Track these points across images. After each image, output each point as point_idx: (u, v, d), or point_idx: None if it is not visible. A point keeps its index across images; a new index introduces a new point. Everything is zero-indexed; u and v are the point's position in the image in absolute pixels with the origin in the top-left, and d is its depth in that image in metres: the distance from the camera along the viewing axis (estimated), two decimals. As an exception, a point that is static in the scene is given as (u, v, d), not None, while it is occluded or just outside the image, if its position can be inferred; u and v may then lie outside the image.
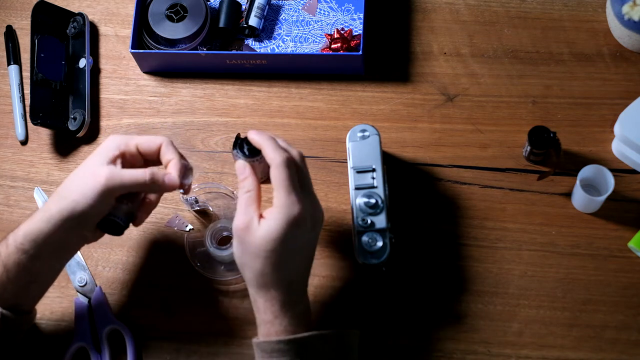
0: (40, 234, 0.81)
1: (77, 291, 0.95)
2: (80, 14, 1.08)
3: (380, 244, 0.86)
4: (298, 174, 0.80)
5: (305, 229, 0.79)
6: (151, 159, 0.86)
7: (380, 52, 1.04)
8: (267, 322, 0.79)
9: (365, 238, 0.87)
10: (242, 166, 0.82)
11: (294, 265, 0.80)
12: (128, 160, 0.84)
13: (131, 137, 0.85)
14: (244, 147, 0.83)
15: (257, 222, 0.78)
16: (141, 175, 0.82)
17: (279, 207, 0.78)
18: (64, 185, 0.83)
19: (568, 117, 0.98)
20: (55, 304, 0.94)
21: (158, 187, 0.83)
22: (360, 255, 0.87)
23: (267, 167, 0.81)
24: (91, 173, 0.81)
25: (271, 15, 1.06)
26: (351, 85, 1.03)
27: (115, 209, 0.84)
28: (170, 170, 0.84)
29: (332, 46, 1.02)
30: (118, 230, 0.86)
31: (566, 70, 1.01)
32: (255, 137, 0.82)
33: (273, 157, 0.79)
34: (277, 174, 0.78)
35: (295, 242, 0.79)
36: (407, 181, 0.97)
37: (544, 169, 0.96)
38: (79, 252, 0.95)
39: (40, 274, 0.85)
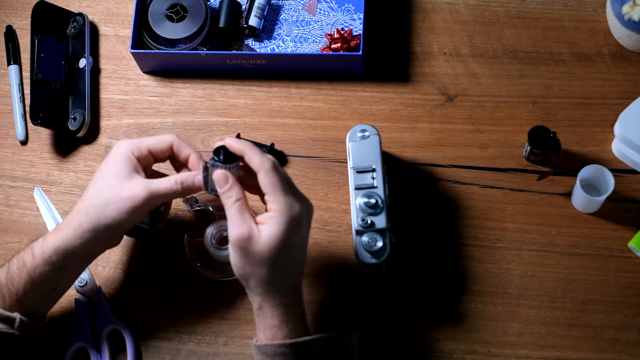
0: (70, 248, 0.82)
1: (77, 291, 0.95)
2: (80, 14, 1.08)
3: (380, 244, 0.86)
4: (285, 176, 0.80)
5: (304, 228, 0.79)
6: (161, 157, 0.86)
7: (380, 52, 1.04)
8: (274, 326, 0.79)
9: (365, 238, 0.86)
10: (223, 175, 0.79)
11: (295, 266, 0.81)
12: (141, 163, 0.84)
13: (141, 140, 0.84)
14: (220, 154, 0.80)
15: (257, 229, 0.77)
16: (174, 185, 0.81)
17: (279, 210, 0.77)
18: (93, 198, 0.82)
19: (568, 117, 0.98)
20: (56, 304, 0.94)
21: (190, 191, 0.83)
22: (360, 255, 0.87)
23: (240, 175, 0.80)
24: (126, 189, 0.81)
25: (271, 15, 1.06)
26: (351, 85, 1.03)
27: None
28: (192, 165, 0.84)
29: (332, 46, 1.02)
30: (146, 235, 0.87)
31: (566, 70, 1.01)
32: (235, 144, 0.80)
33: (262, 161, 0.78)
34: (271, 177, 0.77)
35: (297, 242, 0.79)
36: (407, 181, 0.97)
37: (544, 169, 0.96)
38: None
39: (62, 282, 0.86)
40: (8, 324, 0.82)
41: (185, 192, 0.83)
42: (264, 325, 0.80)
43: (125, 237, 0.95)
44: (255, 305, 0.80)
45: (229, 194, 0.79)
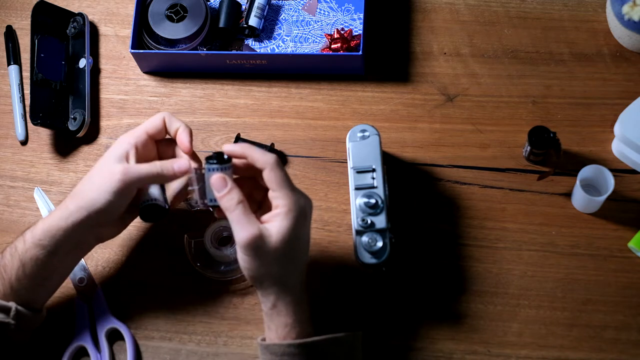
0: (58, 231, 0.83)
1: (77, 291, 0.95)
2: (80, 14, 1.08)
3: (380, 244, 0.86)
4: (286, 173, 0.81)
5: (308, 222, 0.81)
6: (160, 138, 0.88)
7: (380, 52, 1.04)
8: (287, 324, 0.79)
9: (365, 238, 0.86)
10: (221, 179, 0.78)
11: (302, 260, 0.82)
12: (141, 153, 0.85)
13: (138, 127, 0.86)
14: (212, 158, 0.79)
15: (266, 228, 0.77)
16: (153, 167, 0.83)
17: (287, 205, 0.77)
18: (81, 185, 0.85)
19: (568, 117, 0.98)
20: (55, 304, 0.94)
21: (171, 176, 0.84)
22: (360, 255, 0.87)
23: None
24: (107, 171, 0.83)
25: (271, 15, 1.06)
26: (351, 85, 1.03)
27: (151, 193, 0.87)
28: (179, 138, 0.86)
29: (332, 46, 1.02)
30: (162, 214, 0.87)
31: (566, 70, 1.01)
32: (235, 147, 0.80)
33: (265, 159, 0.78)
34: (276, 173, 0.78)
35: (304, 236, 0.80)
36: (407, 181, 0.97)
37: (544, 169, 0.96)
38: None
39: (55, 271, 0.86)
40: (4, 313, 0.83)
41: (166, 175, 0.84)
42: (276, 324, 0.80)
43: (123, 237, 0.95)
44: (269, 304, 0.80)
45: (230, 197, 0.78)
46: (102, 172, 0.83)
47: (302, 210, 0.78)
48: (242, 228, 0.76)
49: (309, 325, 0.81)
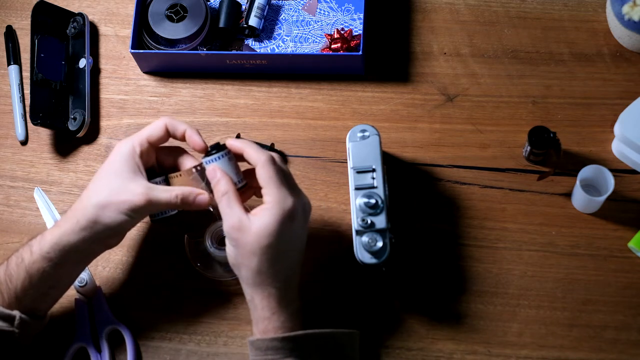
0: (67, 244, 0.82)
1: (77, 291, 0.95)
2: (80, 14, 1.08)
3: (380, 244, 0.86)
4: (282, 171, 0.81)
5: (298, 222, 0.80)
6: (160, 144, 0.87)
7: (380, 52, 1.04)
8: (265, 318, 0.80)
9: (365, 238, 0.86)
10: (212, 170, 0.82)
11: (289, 260, 0.81)
12: (144, 159, 0.85)
13: (140, 134, 0.86)
14: (209, 152, 0.82)
15: (248, 219, 0.78)
16: (174, 198, 0.83)
17: (272, 202, 0.78)
18: (94, 196, 0.83)
19: (568, 117, 0.98)
20: (56, 304, 0.94)
21: (188, 207, 0.84)
22: (360, 255, 0.87)
23: (236, 168, 0.83)
24: (126, 189, 0.82)
25: (271, 15, 1.06)
26: (351, 85, 1.03)
27: None
28: (189, 140, 0.85)
29: (332, 46, 1.02)
30: (173, 217, 0.91)
31: (566, 70, 1.01)
32: (235, 142, 0.83)
33: (257, 156, 0.80)
34: (265, 170, 0.79)
35: (290, 235, 0.79)
36: (407, 181, 0.97)
37: (544, 169, 0.96)
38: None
39: (61, 281, 0.86)
40: (8, 322, 0.83)
41: (184, 206, 0.84)
42: (256, 318, 0.81)
43: (124, 237, 0.95)
44: (247, 297, 0.82)
45: (218, 189, 0.81)
46: (118, 188, 0.82)
47: (287, 210, 0.78)
48: (225, 217, 0.79)
49: (292, 321, 0.81)
